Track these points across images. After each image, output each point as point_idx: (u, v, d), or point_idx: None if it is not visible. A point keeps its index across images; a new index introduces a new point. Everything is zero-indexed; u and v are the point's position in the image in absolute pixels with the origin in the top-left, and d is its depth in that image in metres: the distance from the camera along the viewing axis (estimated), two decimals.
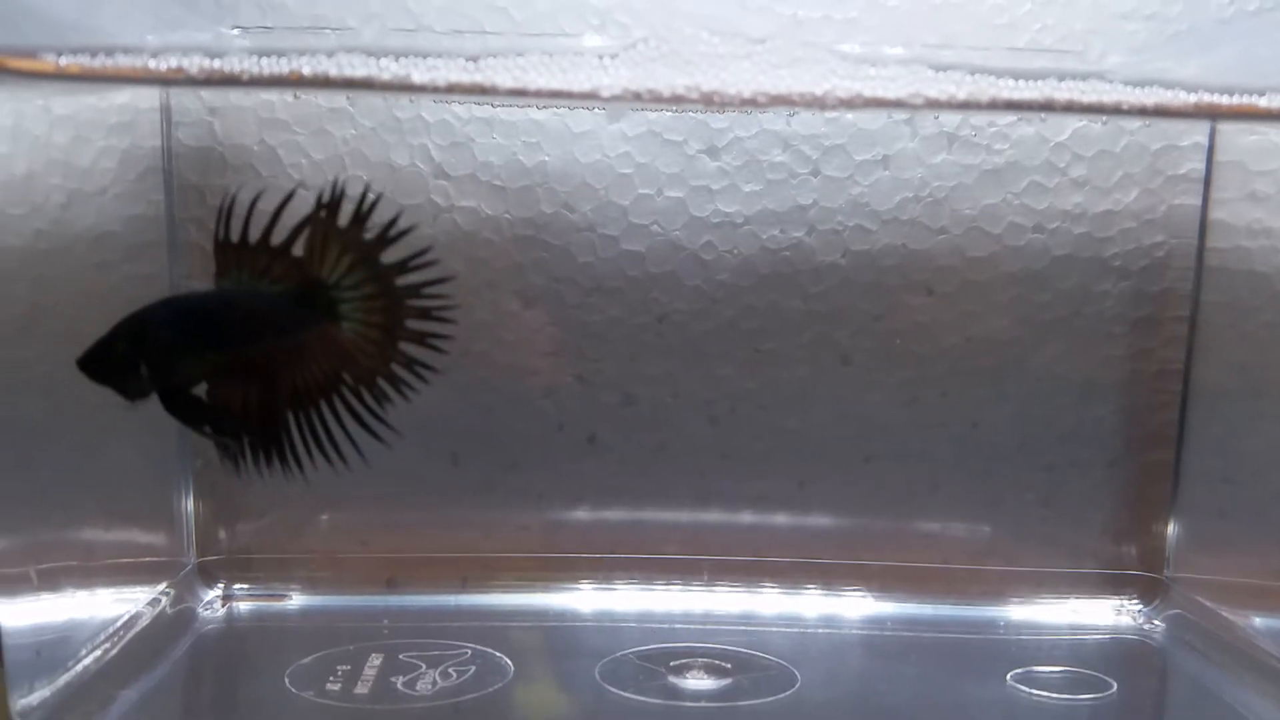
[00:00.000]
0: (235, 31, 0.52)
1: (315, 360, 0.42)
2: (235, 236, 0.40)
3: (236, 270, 0.41)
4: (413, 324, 0.42)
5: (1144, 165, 0.55)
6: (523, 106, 0.52)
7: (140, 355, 0.40)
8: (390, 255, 0.42)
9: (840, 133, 0.55)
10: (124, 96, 0.49)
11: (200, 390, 0.42)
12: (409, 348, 0.43)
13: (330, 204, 0.40)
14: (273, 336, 0.41)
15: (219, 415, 0.42)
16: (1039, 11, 0.54)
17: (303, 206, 0.41)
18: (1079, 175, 0.55)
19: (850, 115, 0.55)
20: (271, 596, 0.55)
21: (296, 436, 0.42)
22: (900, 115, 0.54)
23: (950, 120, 0.54)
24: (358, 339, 0.42)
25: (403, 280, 0.42)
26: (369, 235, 0.41)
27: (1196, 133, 0.55)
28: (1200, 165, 0.55)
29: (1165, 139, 0.55)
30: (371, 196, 0.41)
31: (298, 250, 0.41)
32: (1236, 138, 0.54)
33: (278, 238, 0.41)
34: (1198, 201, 0.55)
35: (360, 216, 0.41)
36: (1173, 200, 0.55)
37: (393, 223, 0.41)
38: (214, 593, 0.55)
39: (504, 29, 0.53)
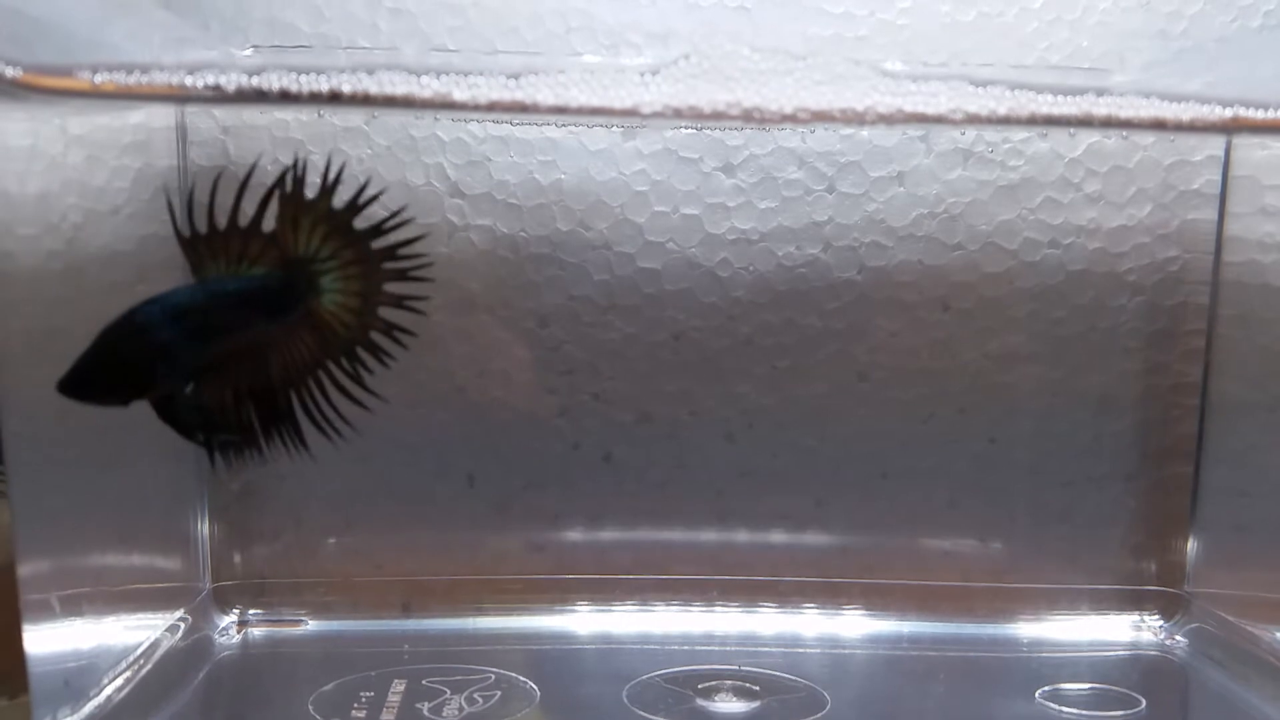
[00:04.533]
0: (248, 51, 0.51)
1: (301, 338, 0.41)
2: (202, 227, 0.39)
3: (211, 261, 0.40)
4: (391, 288, 0.42)
5: (1157, 180, 0.55)
6: (563, 125, 0.51)
7: (131, 365, 0.39)
8: (363, 220, 0.42)
9: (856, 149, 0.55)
10: (138, 116, 0.49)
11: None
12: (387, 313, 0.42)
13: (296, 178, 0.40)
14: (262, 321, 0.41)
15: (215, 412, 0.41)
16: (1045, 30, 0.54)
17: (261, 185, 0.40)
18: (1093, 191, 0.55)
19: (866, 132, 0.55)
20: (286, 622, 0.54)
21: (280, 422, 0.42)
22: (937, 130, 0.54)
23: (965, 137, 0.55)
24: (338, 310, 0.42)
25: (378, 243, 0.42)
26: (339, 204, 0.41)
27: (1209, 147, 0.55)
28: (1213, 179, 0.55)
29: (1177, 154, 0.55)
30: (336, 168, 0.40)
31: (268, 225, 0.40)
32: (1249, 152, 0.54)
33: (244, 218, 0.40)
34: (1210, 216, 0.55)
35: (328, 187, 0.40)
36: (1185, 215, 0.56)
37: (363, 189, 0.41)
38: (229, 618, 0.54)
39: (515, 49, 0.53)
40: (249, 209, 0.40)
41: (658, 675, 0.50)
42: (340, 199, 0.41)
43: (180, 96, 0.34)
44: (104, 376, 0.38)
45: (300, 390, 0.42)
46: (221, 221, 0.40)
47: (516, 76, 0.34)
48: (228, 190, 0.40)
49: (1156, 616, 0.57)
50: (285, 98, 0.34)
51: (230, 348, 0.40)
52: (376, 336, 0.42)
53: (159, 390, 0.40)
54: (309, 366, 0.42)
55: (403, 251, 0.42)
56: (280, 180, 0.40)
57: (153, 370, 0.39)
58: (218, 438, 0.41)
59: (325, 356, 0.42)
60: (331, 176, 0.40)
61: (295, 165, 0.40)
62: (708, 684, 0.49)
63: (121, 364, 0.38)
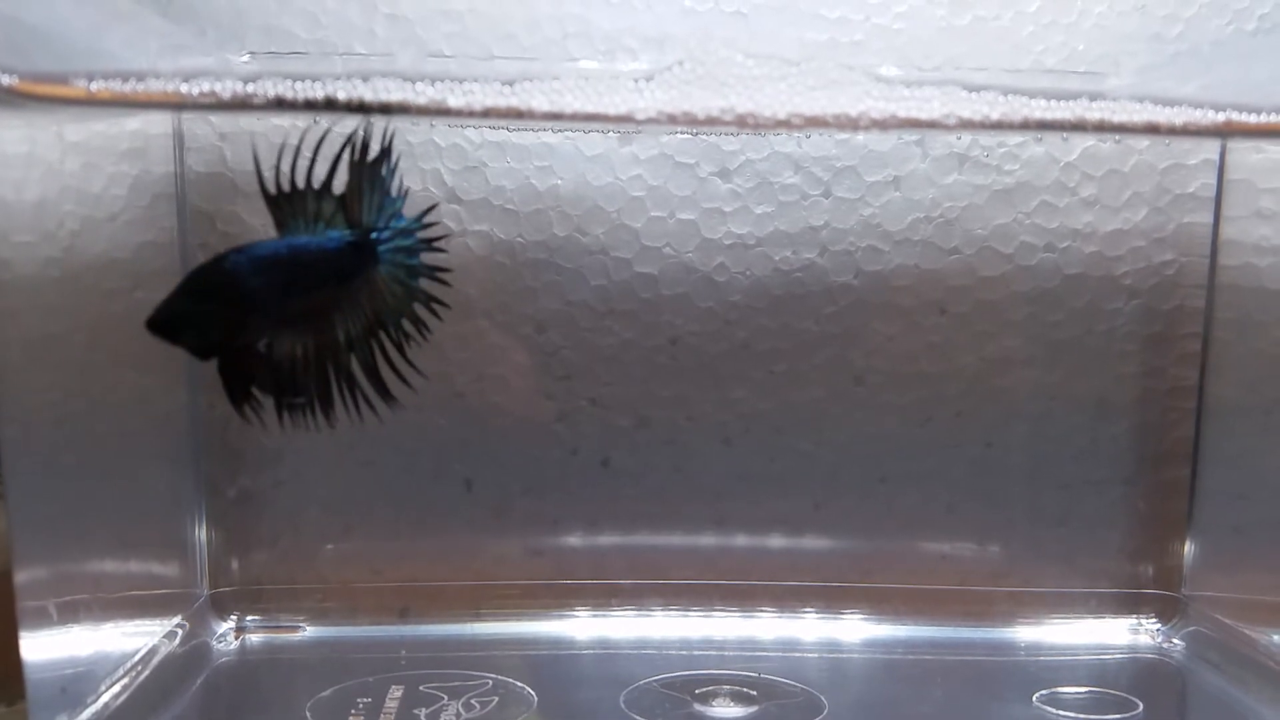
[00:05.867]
0: (245, 57, 0.51)
1: (360, 305, 0.42)
2: (285, 185, 0.40)
3: (293, 220, 0.41)
4: (427, 258, 0.43)
5: (1152, 184, 0.55)
6: (559, 130, 0.51)
7: (218, 308, 0.40)
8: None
9: (851, 154, 0.55)
10: (135, 123, 0.49)
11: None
12: (425, 284, 0.43)
13: (363, 143, 0.41)
14: (334, 282, 0.42)
15: (285, 370, 0.41)
16: (1041, 34, 0.54)
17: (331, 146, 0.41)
18: (1089, 194, 0.55)
19: (861, 137, 0.55)
20: (284, 628, 0.55)
21: (341, 386, 0.42)
22: (931, 134, 0.54)
23: (961, 141, 0.55)
24: (389, 280, 0.43)
25: (412, 214, 0.43)
26: (385, 171, 0.42)
27: (1204, 151, 0.55)
28: (1209, 182, 0.55)
29: (1172, 157, 0.55)
30: (389, 132, 0.41)
31: (338, 189, 0.41)
32: (1244, 155, 0.54)
33: (318, 180, 0.41)
34: (1206, 219, 0.55)
35: (386, 152, 0.41)
36: (1181, 218, 0.56)
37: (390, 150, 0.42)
38: (227, 625, 0.55)
39: (511, 55, 0.53)
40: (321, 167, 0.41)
41: (655, 680, 0.50)
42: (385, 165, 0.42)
43: (176, 103, 0.34)
44: (191, 316, 0.40)
45: (360, 356, 0.42)
46: (300, 182, 0.41)
47: (511, 83, 0.34)
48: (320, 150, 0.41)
49: (1154, 620, 0.57)
50: (281, 104, 0.34)
51: (304, 306, 0.41)
52: (419, 308, 0.43)
53: (238, 340, 0.40)
54: (364, 335, 0.42)
55: (428, 219, 0.43)
56: (349, 144, 0.41)
57: (237, 316, 0.40)
58: (286, 399, 0.42)
59: (378, 326, 0.42)
60: (387, 140, 0.41)
61: (364, 130, 0.41)
62: (705, 689, 0.49)
63: (208, 306, 0.40)
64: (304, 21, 0.52)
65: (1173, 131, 0.37)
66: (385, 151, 0.42)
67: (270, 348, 0.41)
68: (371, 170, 0.41)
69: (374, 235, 0.42)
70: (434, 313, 0.43)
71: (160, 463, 0.52)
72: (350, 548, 0.56)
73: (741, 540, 0.57)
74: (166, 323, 0.39)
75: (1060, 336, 0.56)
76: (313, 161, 0.41)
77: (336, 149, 0.41)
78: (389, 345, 0.43)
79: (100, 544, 0.46)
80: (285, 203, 0.41)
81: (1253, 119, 0.37)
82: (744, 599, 0.57)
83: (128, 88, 0.34)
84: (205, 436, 0.54)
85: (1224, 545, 0.55)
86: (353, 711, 0.46)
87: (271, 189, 0.40)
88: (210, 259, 0.40)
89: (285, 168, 0.40)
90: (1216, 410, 0.55)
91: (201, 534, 0.54)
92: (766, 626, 0.56)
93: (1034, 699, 0.49)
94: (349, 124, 0.41)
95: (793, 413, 0.56)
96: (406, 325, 0.43)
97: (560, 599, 0.56)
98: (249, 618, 0.55)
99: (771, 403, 0.56)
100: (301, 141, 0.40)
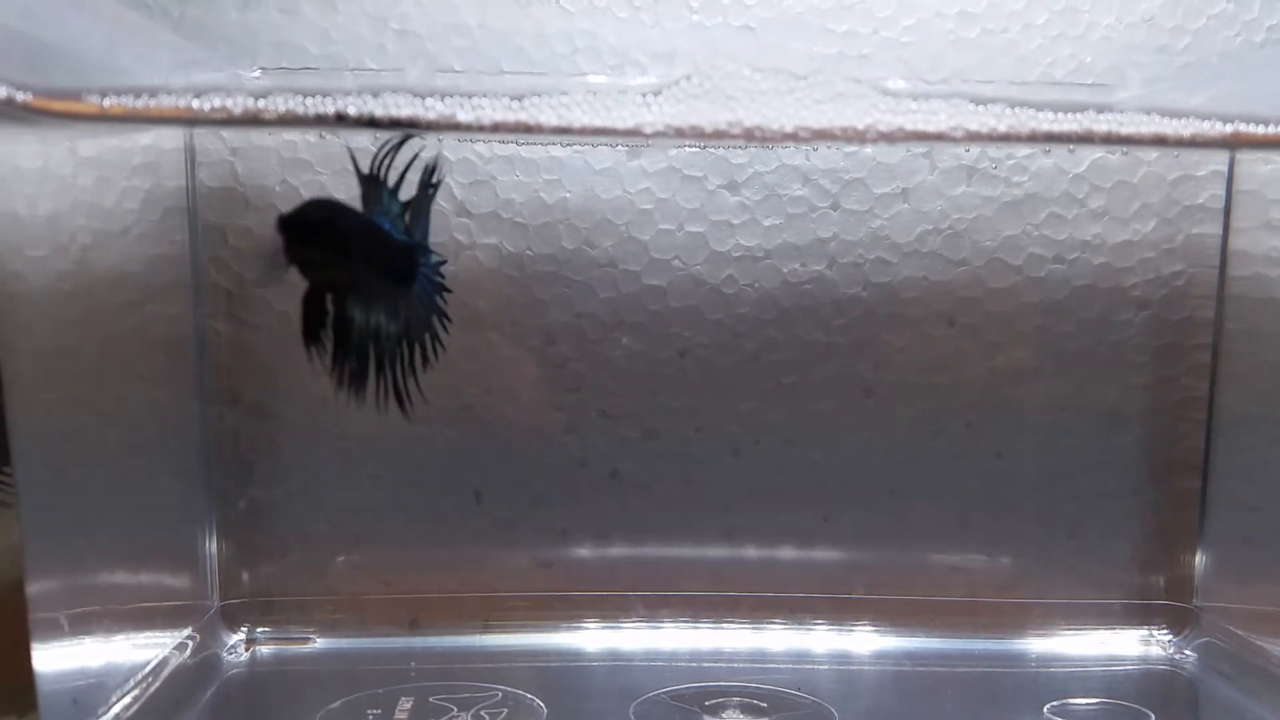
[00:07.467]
0: (256, 73, 0.52)
1: (398, 311, 0.43)
2: (376, 171, 0.42)
3: (374, 204, 0.42)
4: (440, 281, 0.44)
5: (1161, 195, 0.55)
6: (568, 144, 0.52)
7: (335, 232, 0.41)
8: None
9: (859, 166, 0.55)
10: (148, 137, 0.49)
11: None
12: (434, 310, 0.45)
13: (432, 169, 0.43)
14: (396, 276, 0.43)
15: (343, 329, 0.42)
16: (1049, 46, 0.54)
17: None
18: (1098, 206, 0.55)
19: (869, 149, 0.55)
20: (294, 640, 0.55)
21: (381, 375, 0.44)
22: (939, 147, 0.54)
23: (969, 153, 0.55)
24: (417, 303, 0.44)
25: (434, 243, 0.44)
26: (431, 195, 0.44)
27: (1213, 162, 0.55)
28: (1218, 193, 0.55)
29: (1181, 169, 0.55)
30: (445, 165, 0.43)
31: (404, 196, 0.43)
32: (1254, 167, 0.54)
33: (392, 181, 0.42)
34: (1215, 230, 0.55)
35: (436, 182, 0.43)
36: (1190, 230, 0.56)
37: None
38: (237, 636, 0.55)
39: (520, 70, 0.53)
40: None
41: (665, 692, 0.50)
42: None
43: (188, 119, 0.34)
44: (316, 227, 0.41)
45: (391, 359, 0.44)
46: (383, 174, 0.42)
47: (520, 98, 0.34)
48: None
49: (1165, 631, 0.57)
50: (292, 120, 0.34)
51: (371, 283, 0.43)
52: (427, 337, 0.44)
53: (329, 276, 0.41)
54: (396, 338, 0.43)
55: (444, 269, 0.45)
56: (424, 171, 0.42)
57: (342, 249, 0.41)
58: (338, 358, 0.43)
59: (405, 335, 0.44)
60: (439, 175, 0.43)
61: (437, 159, 0.43)
62: (715, 701, 0.49)
63: (330, 224, 0.41)
64: (315, 37, 0.52)
65: (1181, 143, 0.37)
66: (438, 183, 0.43)
67: (343, 302, 0.42)
68: (431, 196, 0.43)
69: (416, 253, 0.43)
70: (433, 348, 0.44)
71: (171, 474, 0.52)
72: (360, 559, 0.56)
73: (751, 552, 0.57)
74: (297, 224, 0.40)
75: (1070, 348, 0.56)
76: (389, 162, 0.42)
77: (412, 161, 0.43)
78: (407, 358, 0.44)
79: (111, 555, 0.46)
80: (371, 184, 0.42)
81: (1261, 130, 0.37)
82: (754, 611, 0.57)
83: (140, 103, 0.34)
84: (216, 448, 0.54)
85: (1235, 556, 0.55)
86: None
87: (364, 169, 0.42)
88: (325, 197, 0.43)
89: (380, 158, 0.42)
90: (1227, 421, 0.55)
91: (212, 546, 0.55)
92: (776, 638, 0.56)
93: (1045, 710, 0.49)
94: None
95: (802, 424, 0.56)
96: (418, 345, 0.44)
97: (569, 610, 0.56)
98: (259, 629, 0.55)
99: (781, 414, 0.56)
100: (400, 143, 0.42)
